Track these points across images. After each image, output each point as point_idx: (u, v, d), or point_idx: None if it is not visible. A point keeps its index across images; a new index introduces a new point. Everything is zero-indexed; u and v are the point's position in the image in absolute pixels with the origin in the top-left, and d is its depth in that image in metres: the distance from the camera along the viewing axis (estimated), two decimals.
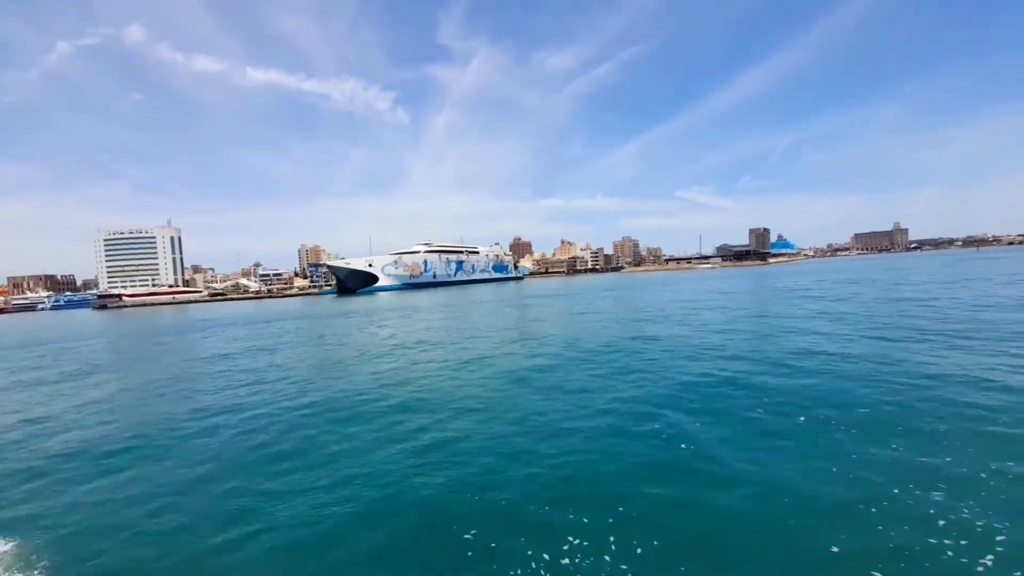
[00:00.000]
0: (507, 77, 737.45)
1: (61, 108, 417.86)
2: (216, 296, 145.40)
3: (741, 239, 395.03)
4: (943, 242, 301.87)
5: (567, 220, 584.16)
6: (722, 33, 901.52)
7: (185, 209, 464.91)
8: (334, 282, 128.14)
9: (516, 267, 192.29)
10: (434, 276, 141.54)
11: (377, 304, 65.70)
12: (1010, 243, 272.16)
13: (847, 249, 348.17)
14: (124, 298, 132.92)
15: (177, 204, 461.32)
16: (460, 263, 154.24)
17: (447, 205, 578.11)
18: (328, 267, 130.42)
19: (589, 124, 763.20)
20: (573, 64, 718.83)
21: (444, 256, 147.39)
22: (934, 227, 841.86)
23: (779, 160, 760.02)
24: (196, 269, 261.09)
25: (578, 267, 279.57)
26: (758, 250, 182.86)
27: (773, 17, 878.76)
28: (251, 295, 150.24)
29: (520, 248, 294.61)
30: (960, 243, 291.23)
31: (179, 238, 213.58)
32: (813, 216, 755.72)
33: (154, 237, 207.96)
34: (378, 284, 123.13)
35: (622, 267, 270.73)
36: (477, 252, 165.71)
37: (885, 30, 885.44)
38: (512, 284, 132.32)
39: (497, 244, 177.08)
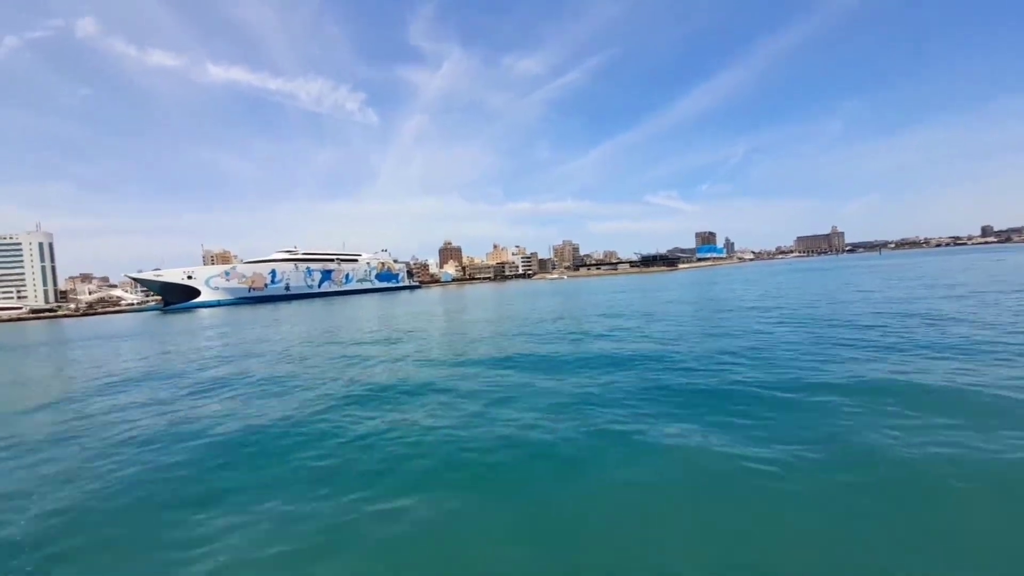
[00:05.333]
0: (477, 80, 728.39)
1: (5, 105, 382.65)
2: (39, 313, 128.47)
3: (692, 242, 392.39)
4: (877, 244, 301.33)
5: (537, 223, 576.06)
6: (683, 46, 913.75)
7: (140, 211, 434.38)
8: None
9: (410, 275, 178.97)
10: (287, 288, 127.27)
11: (164, 325, 53.69)
12: (937, 245, 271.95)
13: (790, 251, 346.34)
14: None
15: (129, 206, 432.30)
16: (328, 272, 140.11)
17: (416, 207, 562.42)
18: (136, 280, 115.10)
19: (557, 128, 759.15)
20: (541, 69, 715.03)
21: (304, 265, 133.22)
22: (873, 230, 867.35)
23: (736, 166, 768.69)
24: (85, 278, 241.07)
25: (507, 273, 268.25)
26: (666, 256, 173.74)
27: (728, 35, 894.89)
28: (120, 308, 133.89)
29: (448, 253, 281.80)
30: (893, 245, 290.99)
31: (50, 244, 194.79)
32: (766, 220, 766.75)
33: (19, 243, 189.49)
34: (200, 299, 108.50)
35: (554, 271, 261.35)
36: (355, 260, 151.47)
37: (830, 49, 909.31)
38: (405, 294, 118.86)
39: (384, 251, 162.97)
